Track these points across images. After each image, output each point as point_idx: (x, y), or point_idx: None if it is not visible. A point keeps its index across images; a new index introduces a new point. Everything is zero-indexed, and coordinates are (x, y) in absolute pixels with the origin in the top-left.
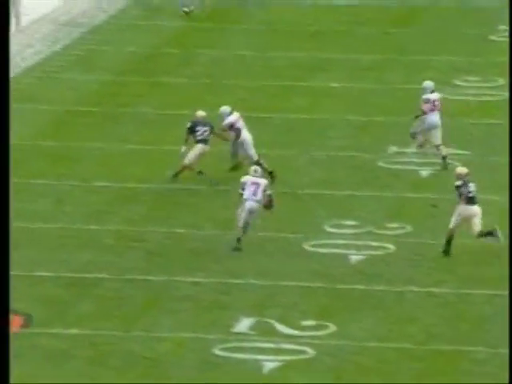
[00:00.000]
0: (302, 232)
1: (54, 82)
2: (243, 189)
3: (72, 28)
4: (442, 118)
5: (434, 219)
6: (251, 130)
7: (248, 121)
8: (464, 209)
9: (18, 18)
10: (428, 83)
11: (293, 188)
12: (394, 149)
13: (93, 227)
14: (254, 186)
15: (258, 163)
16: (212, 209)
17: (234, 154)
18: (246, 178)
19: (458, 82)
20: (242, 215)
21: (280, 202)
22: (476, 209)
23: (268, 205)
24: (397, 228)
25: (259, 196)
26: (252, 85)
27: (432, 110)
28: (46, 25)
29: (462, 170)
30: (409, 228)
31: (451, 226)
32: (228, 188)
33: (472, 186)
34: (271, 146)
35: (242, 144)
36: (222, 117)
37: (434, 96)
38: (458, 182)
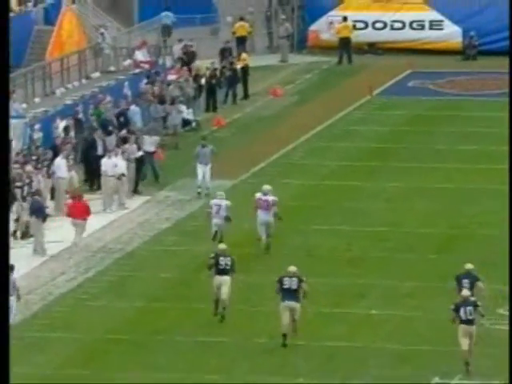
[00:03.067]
0: None
1: (86, 309)
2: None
3: (105, 254)
4: None
5: None
6: None
7: None
8: None
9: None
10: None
11: None
12: (436, 379)
13: None
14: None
15: None
16: None
17: None
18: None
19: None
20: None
21: None
22: None
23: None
24: None
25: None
26: None
27: None
28: (79, 252)
29: None
30: None
31: None
32: None
33: None
34: (309, 376)
35: None
36: None
37: None
38: None
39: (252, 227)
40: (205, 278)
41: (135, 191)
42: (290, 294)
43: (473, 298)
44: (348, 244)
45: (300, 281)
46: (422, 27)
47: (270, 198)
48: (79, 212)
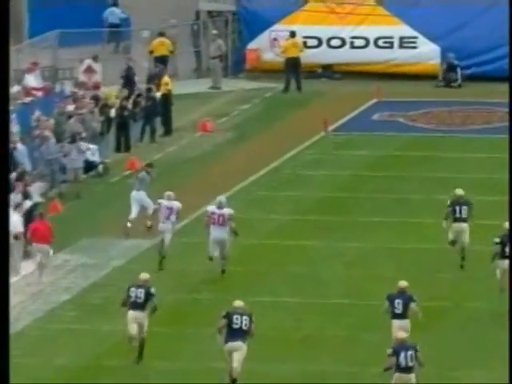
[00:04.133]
0: None
1: None
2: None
3: None
4: None
5: None
6: None
7: None
8: None
9: None
10: None
11: None
12: None
13: None
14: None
15: None
16: None
17: None
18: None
19: None
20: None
21: None
22: None
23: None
24: None
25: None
26: None
27: None
28: None
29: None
30: None
31: None
32: None
33: None
34: None
35: None
36: None
37: None
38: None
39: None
40: (115, 365)
41: (25, 253)
42: (238, 333)
43: (410, 342)
44: (298, 320)
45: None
46: (391, 45)
47: (226, 211)
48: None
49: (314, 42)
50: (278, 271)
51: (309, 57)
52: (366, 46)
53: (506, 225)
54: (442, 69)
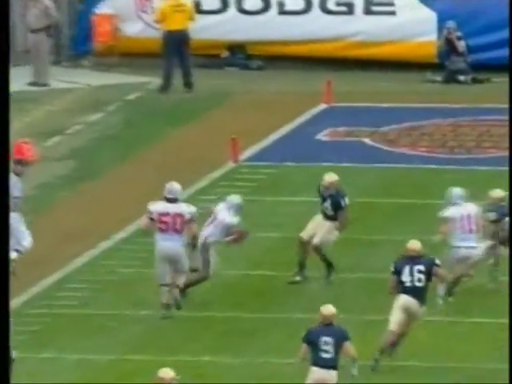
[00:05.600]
0: None
1: None
2: None
3: None
4: None
5: None
6: None
7: None
8: None
9: None
10: None
11: None
12: None
13: None
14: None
15: None
16: None
17: None
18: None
19: None
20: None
21: None
22: None
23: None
24: None
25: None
26: None
27: None
28: None
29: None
30: None
31: None
32: None
33: None
34: None
35: None
36: None
37: None
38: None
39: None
40: None
41: None
42: None
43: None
44: None
45: None
46: (350, 10)
47: (185, 209)
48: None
49: (214, 4)
50: None
51: (205, 30)
52: (307, 10)
53: (497, 193)
54: (440, 51)
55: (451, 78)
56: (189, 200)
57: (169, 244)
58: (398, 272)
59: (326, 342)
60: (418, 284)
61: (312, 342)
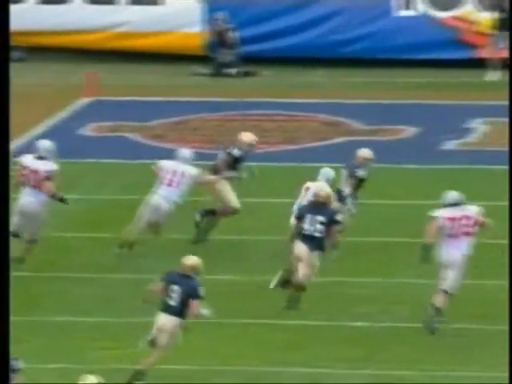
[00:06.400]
0: None
1: None
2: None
3: None
4: None
5: None
6: None
7: None
8: None
9: None
10: None
11: None
12: None
13: None
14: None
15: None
16: None
17: None
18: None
19: None
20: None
21: None
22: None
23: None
24: None
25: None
26: None
27: None
28: None
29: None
30: None
31: None
32: None
33: None
34: None
35: None
36: None
37: None
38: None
39: None
40: None
41: None
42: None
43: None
44: None
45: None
46: None
47: (46, 164)
48: None
49: None
50: None
51: None
52: (67, 0)
53: (364, 152)
54: (208, 43)
55: (219, 71)
56: None
57: (27, 199)
58: (300, 217)
59: (173, 290)
60: (316, 234)
61: (165, 286)
